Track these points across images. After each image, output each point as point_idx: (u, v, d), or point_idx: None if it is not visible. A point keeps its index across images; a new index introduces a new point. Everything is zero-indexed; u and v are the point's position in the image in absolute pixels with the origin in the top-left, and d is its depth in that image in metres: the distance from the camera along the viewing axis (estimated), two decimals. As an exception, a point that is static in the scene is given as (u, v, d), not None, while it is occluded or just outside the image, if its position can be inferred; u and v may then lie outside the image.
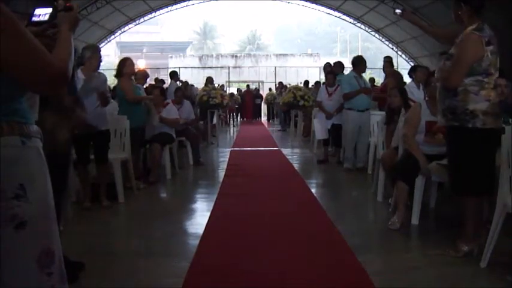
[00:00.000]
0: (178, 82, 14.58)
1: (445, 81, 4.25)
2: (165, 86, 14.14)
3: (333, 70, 10.85)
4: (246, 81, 41.05)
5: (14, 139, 1.81)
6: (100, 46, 26.98)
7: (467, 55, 4.15)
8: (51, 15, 2.11)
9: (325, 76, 11.10)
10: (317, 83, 18.57)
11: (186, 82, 17.46)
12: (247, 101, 29.23)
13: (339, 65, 11.11)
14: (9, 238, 1.79)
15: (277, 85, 27.25)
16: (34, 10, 2.11)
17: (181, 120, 9.53)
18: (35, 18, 2.11)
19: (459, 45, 4.20)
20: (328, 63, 11.68)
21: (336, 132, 9.96)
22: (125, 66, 7.50)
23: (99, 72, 6.39)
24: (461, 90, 4.15)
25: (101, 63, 6.37)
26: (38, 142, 1.92)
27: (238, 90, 32.20)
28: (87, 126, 5.02)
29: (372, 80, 15.83)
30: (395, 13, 4.95)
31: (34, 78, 1.80)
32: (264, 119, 30.33)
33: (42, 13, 2.11)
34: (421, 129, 5.44)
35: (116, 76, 7.60)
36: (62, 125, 4.05)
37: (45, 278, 1.85)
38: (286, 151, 12.75)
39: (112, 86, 8.91)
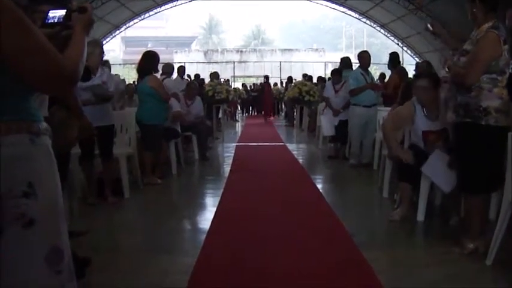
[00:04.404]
0: (185, 77, 14.54)
1: (461, 78, 4.21)
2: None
3: (339, 68, 10.84)
4: (251, 76, 41.08)
5: (22, 137, 1.81)
6: (105, 41, 27.16)
7: (486, 53, 4.12)
8: (65, 16, 2.11)
9: (331, 74, 11.12)
10: (320, 79, 18.57)
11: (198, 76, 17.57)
12: (267, 95, 24.02)
13: (346, 61, 11.08)
14: (18, 237, 1.78)
15: (283, 80, 26.68)
16: (48, 12, 2.11)
17: (191, 116, 9.63)
18: (49, 20, 2.11)
19: (477, 42, 4.17)
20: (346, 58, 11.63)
21: (342, 128, 9.93)
22: (156, 63, 7.56)
23: (112, 75, 6.40)
24: (475, 87, 4.14)
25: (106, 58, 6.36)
26: (47, 140, 1.92)
27: (243, 85, 31.93)
28: (92, 130, 5.03)
29: (383, 76, 15.70)
30: (426, 29, 4.84)
31: (42, 78, 1.79)
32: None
33: (57, 15, 2.11)
34: (419, 139, 5.43)
35: (144, 72, 7.56)
36: (69, 124, 4.07)
37: (54, 276, 1.85)
38: (291, 146, 12.74)
39: (131, 80, 8.94)
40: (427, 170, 5.20)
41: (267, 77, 25.91)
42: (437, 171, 5.09)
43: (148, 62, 7.53)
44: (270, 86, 25.62)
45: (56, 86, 1.88)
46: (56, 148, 1.98)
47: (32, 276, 1.82)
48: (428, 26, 4.69)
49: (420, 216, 5.41)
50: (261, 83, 32.11)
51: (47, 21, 2.11)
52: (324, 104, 11.35)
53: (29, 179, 1.81)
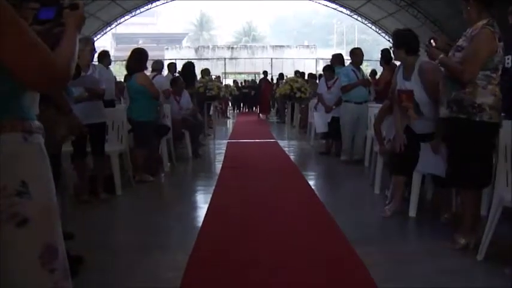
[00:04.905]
0: (176, 74, 14.47)
1: (459, 74, 4.21)
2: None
3: (331, 65, 10.85)
4: (242, 73, 41.04)
5: (15, 135, 1.80)
6: (96, 38, 27.06)
7: (483, 49, 4.14)
8: (57, 13, 2.11)
9: (323, 70, 11.15)
10: (310, 75, 18.56)
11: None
12: (264, 92, 22.92)
13: (339, 58, 11.09)
14: (11, 235, 1.78)
15: (274, 77, 26.27)
16: (39, 9, 2.10)
17: (183, 110, 9.65)
18: (40, 17, 2.10)
19: (474, 38, 4.19)
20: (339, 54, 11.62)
21: (335, 125, 9.92)
22: (144, 60, 7.53)
23: (103, 68, 6.36)
24: (470, 83, 4.16)
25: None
26: (39, 138, 1.91)
27: (234, 81, 31.86)
28: (81, 128, 5.02)
29: (374, 72, 15.71)
30: (428, 44, 4.78)
31: (34, 76, 1.77)
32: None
33: (48, 12, 2.11)
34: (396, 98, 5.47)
35: (133, 70, 7.54)
36: (58, 122, 4.06)
37: (48, 274, 1.85)
38: (283, 143, 12.75)
39: (122, 77, 9.00)
40: (424, 168, 5.23)
41: (265, 73, 25.37)
42: (432, 163, 5.11)
43: (137, 59, 7.51)
44: (269, 82, 24.63)
45: (48, 84, 1.87)
46: (46, 147, 1.97)
47: (26, 275, 1.82)
48: (432, 42, 4.67)
49: (412, 212, 5.43)
50: (252, 80, 32.14)
51: (38, 18, 2.11)
52: (315, 100, 11.38)
53: (23, 177, 1.80)
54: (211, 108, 14.75)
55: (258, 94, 24.40)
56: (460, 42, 4.34)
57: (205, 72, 15.44)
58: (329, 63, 11.33)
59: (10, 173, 1.77)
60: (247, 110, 30.06)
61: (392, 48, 5.58)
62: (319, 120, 10.65)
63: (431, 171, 5.23)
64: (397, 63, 6.13)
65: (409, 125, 5.35)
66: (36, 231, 1.83)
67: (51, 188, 1.93)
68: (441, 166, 4.92)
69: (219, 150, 11.62)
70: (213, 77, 19.10)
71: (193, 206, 6.42)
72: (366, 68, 25.03)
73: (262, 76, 25.76)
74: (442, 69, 4.57)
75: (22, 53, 1.73)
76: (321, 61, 36.76)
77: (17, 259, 1.80)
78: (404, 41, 5.32)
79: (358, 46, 10.67)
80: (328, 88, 10.37)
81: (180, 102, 9.80)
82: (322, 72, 12.14)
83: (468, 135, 4.23)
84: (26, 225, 1.79)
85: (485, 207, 4.96)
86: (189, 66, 11.98)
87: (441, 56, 4.38)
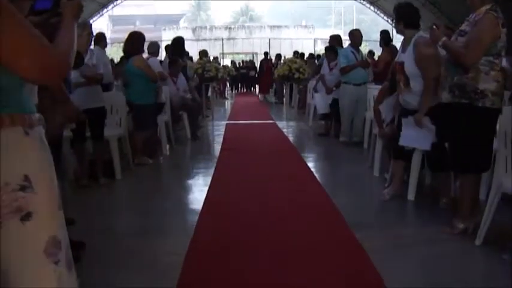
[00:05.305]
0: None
1: (463, 57, 4.19)
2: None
3: (333, 45, 10.75)
4: (240, 53, 40.84)
5: (16, 130, 1.79)
6: (92, 20, 26.84)
7: (487, 33, 4.12)
8: (54, 3, 2.09)
9: (325, 50, 11.08)
10: (310, 56, 18.46)
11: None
12: (266, 72, 22.56)
13: (336, 39, 11.01)
14: (16, 230, 1.78)
15: (272, 57, 26.03)
16: None
17: (180, 92, 9.61)
18: (37, 7, 2.08)
19: (477, 23, 4.16)
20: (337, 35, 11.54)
21: (336, 106, 9.84)
22: (141, 43, 7.50)
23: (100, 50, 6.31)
24: (472, 68, 4.15)
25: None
26: (40, 130, 1.90)
27: (232, 62, 31.64)
28: (79, 115, 4.99)
29: (372, 53, 15.64)
30: (431, 27, 4.78)
31: (33, 70, 1.75)
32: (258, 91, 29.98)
33: (45, 1, 2.09)
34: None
35: (130, 53, 7.52)
36: (55, 110, 4.04)
37: (52, 266, 1.85)
38: (281, 124, 12.74)
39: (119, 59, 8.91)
40: (405, 142, 5.23)
41: (266, 54, 25.17)
42: (413, 136, 5.13)
43: (134, 42, 7.48)
44: (271, 62, 23.81)
45: (48, 76, 1.84)
46: (46, 137, 1.96)
47: (31, 268, 1.82)
48: (434, 27, 4.66)
49: (410, 195, 5.45)
50: (250, 60, 31.92)
51: (34, 8, 2.08)
52: (314, 81, 11.33)
53: (25, 171, 1.79)
54: (210, 89, 14.70)
55: (260, 74, 24.32)
56: (463, 26, 4.32)
57: (203, 53, 15.38)
58: (328, 44, 11.25)
59: (12, 168, 1.77)
60: (245, 90, 29.96)
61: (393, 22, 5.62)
62: (320, 101, 10.60)
63: (413, 144, 5.24)
64: (398, 44, 6.15)
65: (400, 100, 5.38)
66: (40, 224, 1.82)
67: (54, 179, 1.93)
68: (424, 140, 4.96)
69: (217, 131, 11.61)
70: (211, 58, 19.02)
71: (193, 189, 6.45)
72: (365, 47, 24.93)
73: (263, 57, 25.60)
74: (444, 52, 4.55)
75: (20, 46, 1.71)
76: (319, 41, 36.62)
77: (22, 253, 1.80)
78: (403, 14, 5.35)
79: (357, 26, 10.60)
80: (330, 69, 10.31)
81: (177, 83, 9.77)
82: (321, 53, 12.07)
83: (470, 120, 4.22)
84: (30, 219, 1.79)
85: (484, 192, 4.99)
86: (178, 41, 11.32)
87: (444, 38, 4.36)
